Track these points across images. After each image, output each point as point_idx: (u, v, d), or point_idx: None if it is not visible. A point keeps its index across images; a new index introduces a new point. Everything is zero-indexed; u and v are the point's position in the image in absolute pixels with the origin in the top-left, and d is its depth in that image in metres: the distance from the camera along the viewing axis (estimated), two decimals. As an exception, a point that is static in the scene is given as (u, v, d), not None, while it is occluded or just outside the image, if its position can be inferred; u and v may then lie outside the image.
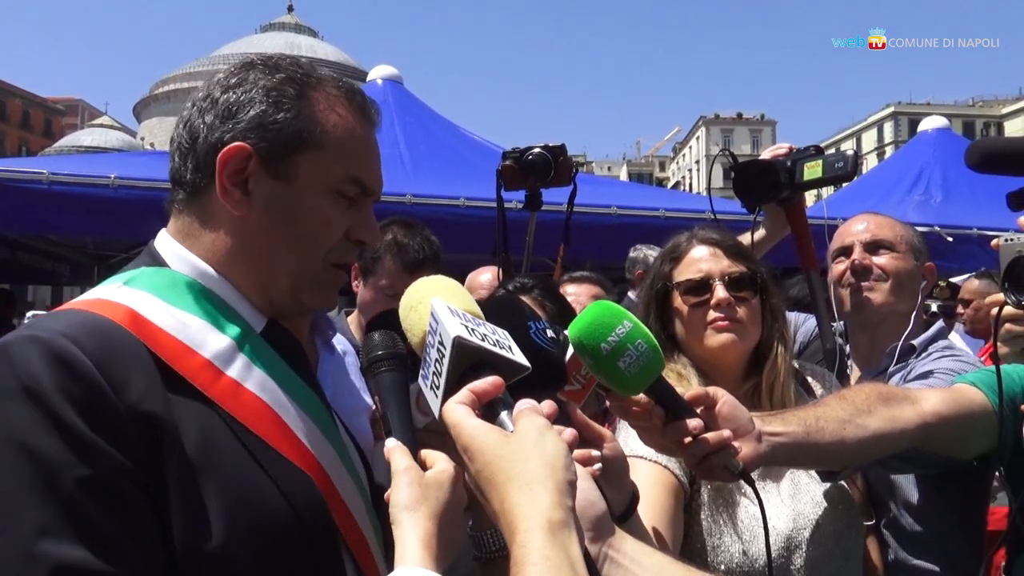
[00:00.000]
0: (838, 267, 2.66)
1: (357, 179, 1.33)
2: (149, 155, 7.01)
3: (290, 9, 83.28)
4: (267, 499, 1.16)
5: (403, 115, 6.67)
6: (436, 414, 1.12)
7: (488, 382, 1.08)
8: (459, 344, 1.08)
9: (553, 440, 1.01)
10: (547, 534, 0.92)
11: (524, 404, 1.06)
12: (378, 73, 7.22)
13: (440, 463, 1.17)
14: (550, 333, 1.33)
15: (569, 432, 1.09)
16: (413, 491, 1.11)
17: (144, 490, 1.07)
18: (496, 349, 1.12)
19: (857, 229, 2.67)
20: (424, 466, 1.17)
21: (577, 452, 1.22)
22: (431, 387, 1.14)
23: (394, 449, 1.17)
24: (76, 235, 6.56)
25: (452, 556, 1.13)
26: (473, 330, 1.11)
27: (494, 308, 1.50)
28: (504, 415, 1.06)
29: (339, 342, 2.83)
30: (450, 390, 1.09)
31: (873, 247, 2.60)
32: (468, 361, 1.10)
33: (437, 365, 1.12)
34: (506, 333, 1.19)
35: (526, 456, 0.98)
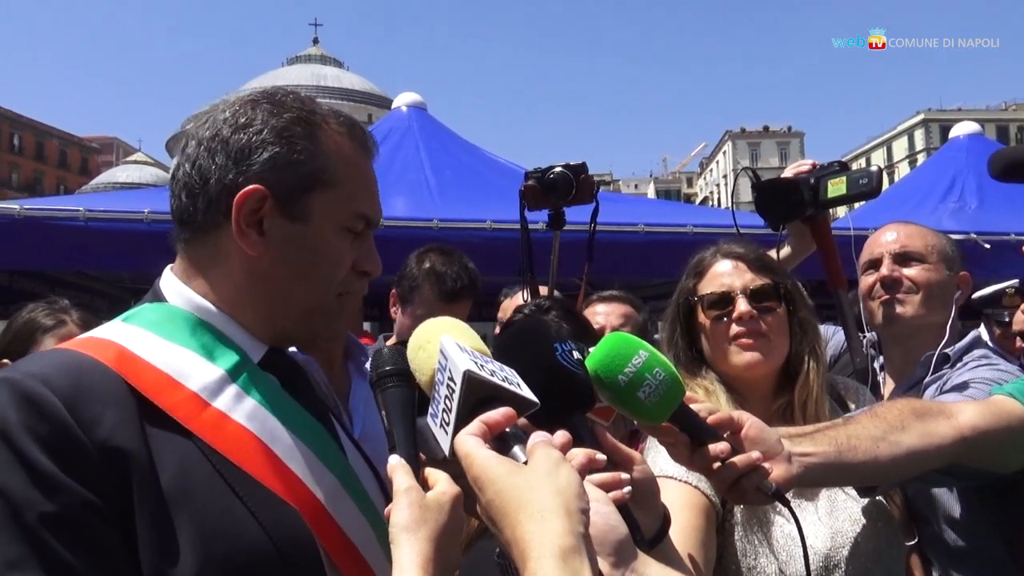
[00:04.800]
0: (867, 279, 2.62)
1: (363, 214, 1.36)
2: (182, 189, 7.05)
3: (315, 41, 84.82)
4: (244, 531, 1.15)
5: (428, 141, 6.73)
6: (446, 451, 1.12)
7: (500, 413, 1.08)
8: (469, 378, 1.09)
9: (566, 471, 1.01)
10: (559, 561, 0.91)
11: (538, 436, 1.06)
12: (403, 100, 7.30)
13: (441, 484, 1.18)
14: (577, 355, 1.32)
15: (580, 461, 1.08)
16: (413, 512, 1.11)
17: (113, 525, 1.09)
18: (505, 384, 1.12)
19: (886, 240, 2.64)
20: (426, 486, 1.18)
21: (607, 475, 1.22)
22: (440, 424, 1.14)
23: (396, 467, 1.17)
24: (113, 270, 6.68)
25: None
26: (482, 365, 1.12)
27: (520, 330, 1.50)
28: (517, 449, 1.07)
29: (373, 368, 2.86)
30: (460, 425, 1.09)
31: (903, 259, 2.56)
32: (478, 396, 1.10)
33: (447, 401, 1.12)
34: (513, 371, 1.19)
35: (537, 485, 0.98)
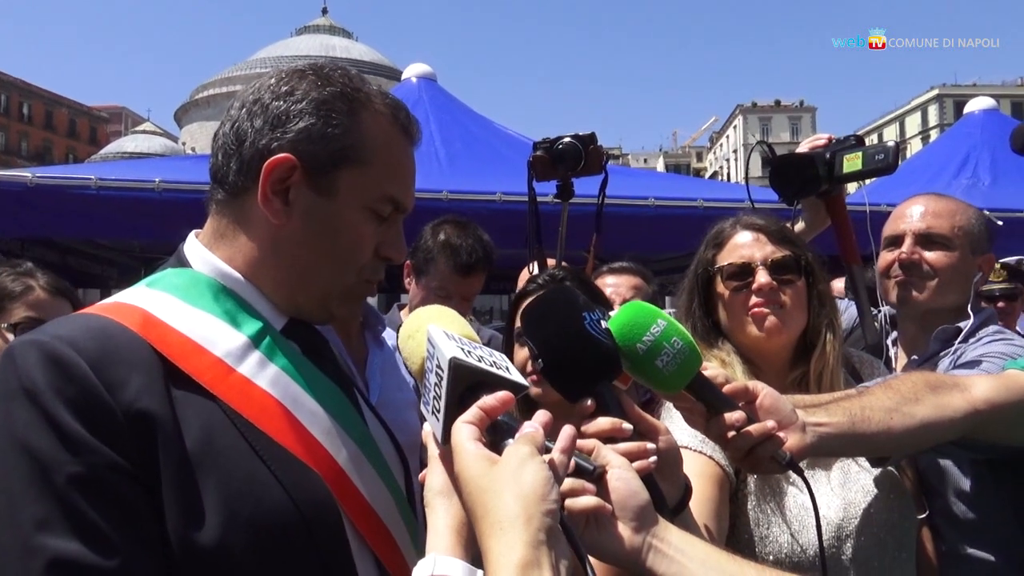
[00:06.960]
0: (887, 256, 2.57)
1: (393, 198, 1.34)
2: (192, 159, 7.10)
3: (324, 11, 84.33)
4: (268, 494, 1.16)
5: (438, 112, 6.70)
6: (440, 438, 1.12)
7: (496, 397, 1.07)
8: (455, 364, 1.08)
9: (532, 470, 0.98)
10: None
11: (525, 429, 1.05)
12: (412, 71, 7.26)
13: None
14: (604, 324, 1.33)
15: (558, 456, 1.04)
16: (448, 477, 1.11)
17: (139, 486, 1.10)
18: (492, 369, 1.11)
19: (912, 218, 2.55)
20: None
21: (632, 445, 1.24)
22: (432, 412, 1.14)
23: (431, 434, 1.17)
24: (124, 239, 6.70)
25: None
26: (469, 352, 1.12)
27: (549, 299, 1.51)
28: (509, 441, 1.05)
29: (389, 336, 2.87)
30: (450, 412, 1.09)
31: (925, 240, 2.50)
32: (465, 382, 1.10)
33: (436, 389, 1.12)
34: (503, 356, 1.19)
35: (500, 489, 0.97)
